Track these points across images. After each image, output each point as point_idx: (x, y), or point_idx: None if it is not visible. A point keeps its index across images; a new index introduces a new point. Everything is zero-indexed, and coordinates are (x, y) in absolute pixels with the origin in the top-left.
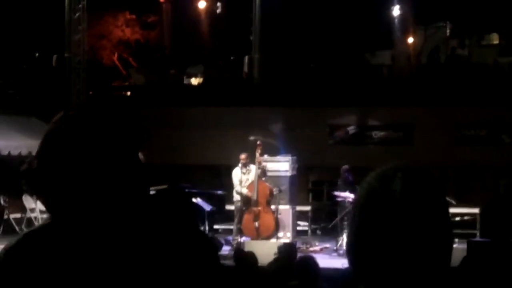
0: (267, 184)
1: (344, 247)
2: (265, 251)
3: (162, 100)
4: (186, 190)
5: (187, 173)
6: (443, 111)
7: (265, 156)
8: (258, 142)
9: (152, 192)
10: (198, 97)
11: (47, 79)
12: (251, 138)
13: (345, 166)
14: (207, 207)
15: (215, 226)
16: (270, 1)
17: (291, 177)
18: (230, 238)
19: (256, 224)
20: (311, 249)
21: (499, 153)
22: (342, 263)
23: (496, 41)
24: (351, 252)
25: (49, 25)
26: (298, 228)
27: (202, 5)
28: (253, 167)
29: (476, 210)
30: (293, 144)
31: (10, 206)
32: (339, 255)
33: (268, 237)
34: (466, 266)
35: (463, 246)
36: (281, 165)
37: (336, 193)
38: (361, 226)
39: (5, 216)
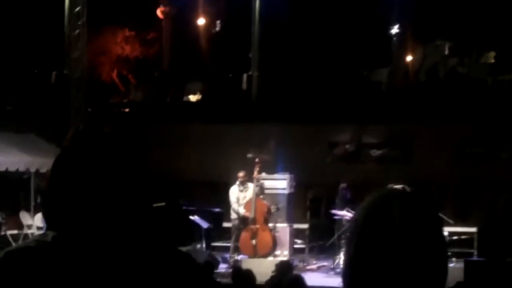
0: (265, 202)
1: (342, 266)
2: (262, 269)
3: (160, 117)
4: (184, 208)
5: (185, 190)
6: (441, 129)
7: (263, 174)
8: (256, 160)
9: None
10: (196, 114)
11: (46, 96)
12: (249, 155)
13: (343, 184)
14: (205, 224)
15: (212, 244)
16: (269, 18)
17: (289, 195)
18: (227, 255)
19: (254, 242)
20: (308, 267)
21: (497, 171)
22: (339, 281)
23: (494, 59)
24: (347, 276)
25: (49, 42)
26: (296, 246)
27: (201, 22)
28: (250, 185)
29: (473, 229)
30: (291, 161)
31: (7, 222)
32: (336, 273)
33: (265, 255)
34: None
35: (460, 265)
36: (279, 183)
37: (334, 211)
38: (359, 251)
39: (2, 232)
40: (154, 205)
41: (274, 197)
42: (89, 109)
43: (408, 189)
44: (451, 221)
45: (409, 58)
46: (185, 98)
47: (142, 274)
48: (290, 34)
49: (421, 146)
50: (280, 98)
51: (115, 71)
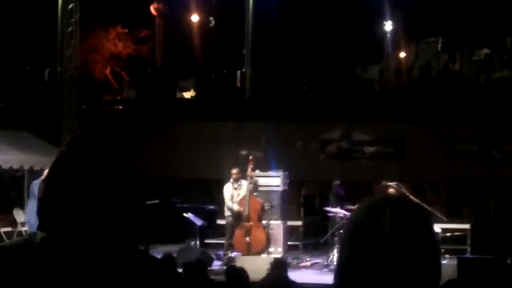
0: (259, 199)
1: (335, 262)
2: (256, 266)
3: (154, 114)
4: (178, 205)
5: (178, 187)
6: (434, 126)
7: (257, 171)
8: (250, 157)
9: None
10: (190, 111)
11: (39, 93)
12: (242, 152)
13: (337, 181)
14: (199, 222)
15: (206, 241)
16: (263, 16)
17: (283, 192)
18: (221, 253)
19: (247, 239)
20: (302, 264)
21: (490, 168)
22: (332, 278)
23: (486, 57)
24: (338, 282)
25: (42, 39)
26: (289, 243)
27: (195, 19)
28: (244, 183)
29: (466, 226)
30: (285, 158)
31: (0, 220)
32: (330, 270)
33: (259, 253)
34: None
35: (453, 262)
36: (273, 180)
37: (328, 208)
38: (350, 259)
39: None
40: (148, 202)
41: (267, 194)
42: (82, 107)
43: (401, 188)
44: (444, 218)
45: (402, 55)
46: (178, 95)
47: (123, 276)
48: (283, 32)
49: (414, 143)
50: (274, 95)
51: (108, 69)
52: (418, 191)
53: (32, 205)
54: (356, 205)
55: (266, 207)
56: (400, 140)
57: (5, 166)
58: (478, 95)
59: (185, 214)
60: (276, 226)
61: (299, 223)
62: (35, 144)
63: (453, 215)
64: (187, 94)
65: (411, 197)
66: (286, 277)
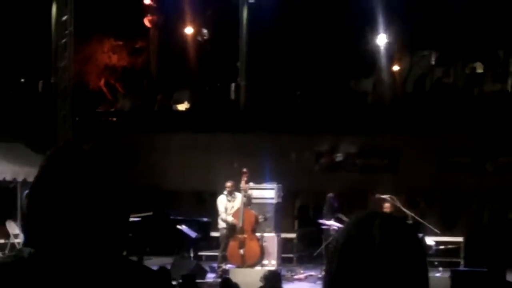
0: (253, 211)
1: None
2: (250, 279)
3: (148, 126)
4: (171, 217)
5: (172, 199)
6: (428, 138)
7: (251, 184)
8: (244, 170)
9: (138, 219)
10: (184, 123)
11: (33, 105)
12: (235, 165)
13: (331, 194)
14: (192, 234)
15: (200, 253)
16: (256, 28)
17: (277, 204)
18: (215, 265)
19: (242, 251)
20: (296, 276)
21: (483, 180)
22: None
23: (480, 70)
24: None
25: (36, 51)
26: (283, 255)
27: (189, 31)
28: (238, 195)
29: (460, 239)
30: (279, 170)
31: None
32: None
33: (253, 265)
34: None
35: (447, 275)
36: (267, 193)
37: (322, 220)
38: (340, 272)
39: None
40: (141, 214)
41: (262, 206)
42: (76, 118)
43: (394, 200)
44: (437, 231)
45: (395, 68)
46: (173, 107)
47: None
48: (277, 44)
49: (408, 155)
50: (268, 107)
51: (103, 80)
52: (411, 203)
53: None
54: (349, 218)
55: (260, 219)
56: (394, 152)
57: None
58: (471, 107)
59: (179, 226)
60: (270, 238)
61: (293, 235)
62: (29, 156)
63: (447, 227)
64: (181, 107)
65: (405, 209)
66: None
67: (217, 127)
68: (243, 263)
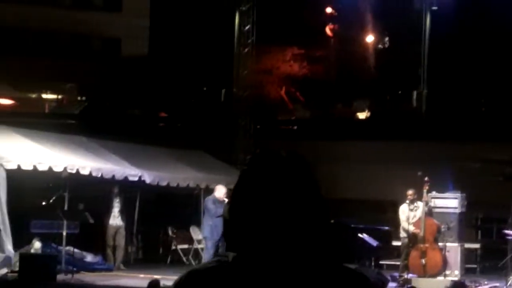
0: (435, 220)
1: None
2: None
3: (327, 134)
4: (352, 226)
5: (351, 208)
6: None
7: (433, 193)
8: (426, 179)
9: None
10: (364, 131)
11: (214, 113)
12: (419, 173)
13: None
14: (374, 242)
15: (381, 262)
16: (438, 35)
17: (460, 214)
18: (396, 274)
19: (423, 261)
20: (479, 287)
21: None
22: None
23: None
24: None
25: (218, 60)
26: (467, 266)
27: (369, 39)
28: (420, 204)
29: None
30: (462, 179)
31: (177, 237)
32: None
33: (435, 275)
34: None
35: None
36: (450, 202)
37: (507, 231)
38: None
39: (173, 247)
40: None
41: (444, 216)
42: (257, 127)
43: None
44: None
45: None
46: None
47: None
48: (460, 50)
49: None
50: (450, 115)
51: (283, 89)
52: None
53: (206, 219)
54: None
55: (443, 228)
56: None
57: (182, 184)
58: None
59: (360, 235)
60: (453, 248)
61: (476, 245)
62: (210, 163)
63: None
64: (362, 115)
65: None
66: None
67: (398, 135)
68: (425, 273)
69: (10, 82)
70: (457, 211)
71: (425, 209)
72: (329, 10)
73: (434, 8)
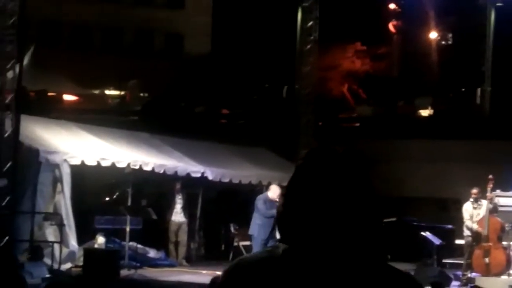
0: (499, 219)
1: None
2: None
3: (389, 132)
4: (415, 223)
5: (413, 206)
6: None
7: (497, 191)
8: (490, 177)
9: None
10: (426, 129)
11: (276, 110)
12: (482, 172)
13: None
14: (436, 241)
15: (444, 260)
16: (503, 31)
17: None
18: (459, 273)
19: (486, 260)
20: None
21: None
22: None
23: None
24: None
25: (280, 57)
26: None
27: (433, 35)
28: (484, 202)
29: None
30: None
31: (239, 234)
32: None
33: (499, 274)
34: None
35: None
36: None
37: None
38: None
39: (235, 243)
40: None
41: (508, 214)
42: (319, 123)
43: None
44: None
45: None
46: (415, 113)
47: None
48: None
49: None
50: None
51: (346, 86)
52: None
53: (255, 218)
54: None
55: (507, 227)
56: None
57: (245, 181)
58: None
59: (422, 233)
60: None
61: None
62: (272, 160)
63: None
64: (424, 112)
65: None
66: None
67: (461, 133)
68: (488, 271)
69: (74, 79)
70: None
71: (489, 208)
72: (392, 6)
73: (499, 4)
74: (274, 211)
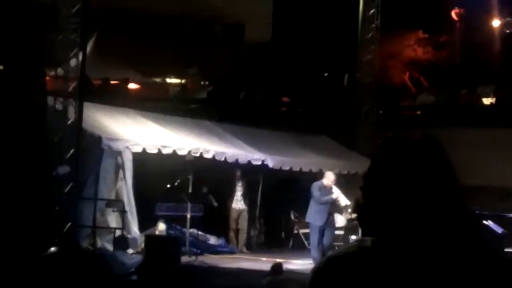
0: None
1: None
2: None
3: (451, 120)
4: (477, 212)
5: (474, 194)
6: None
7: None
8: None
9: None
10: (489, 118)
11: (337, 98)
12: None
13: None
14: (499, 230)
15: (506, 249)
16: None
17: None
18: None
19: None
20: None
21: None
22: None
23: None
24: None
25: (341, 45)
26: None
27: (495, 23)
28: None
29: None
30: None
31: (299, 222)
32: None
33: None
34: None
35: None
36: None
37: None
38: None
39: (295, 231)
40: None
41: None
42: (379, 112)
43: None
44: None
45: None
46: (478, 101)
47: (464, 278)
48: None
49: None
50: None
51: (407, 74)
52: None
53: (311, 205)
54: None
55: None
56: None
57: (305, 169)
58: None
59: (484, 222)
60: None
61: None
62: (332, 148)
63: None
64: (487, 100)
65: None
66: None
67: None
68: None
69: (136, 68)
70: None
71: None
72: None
73: None
74: (328, 198)
